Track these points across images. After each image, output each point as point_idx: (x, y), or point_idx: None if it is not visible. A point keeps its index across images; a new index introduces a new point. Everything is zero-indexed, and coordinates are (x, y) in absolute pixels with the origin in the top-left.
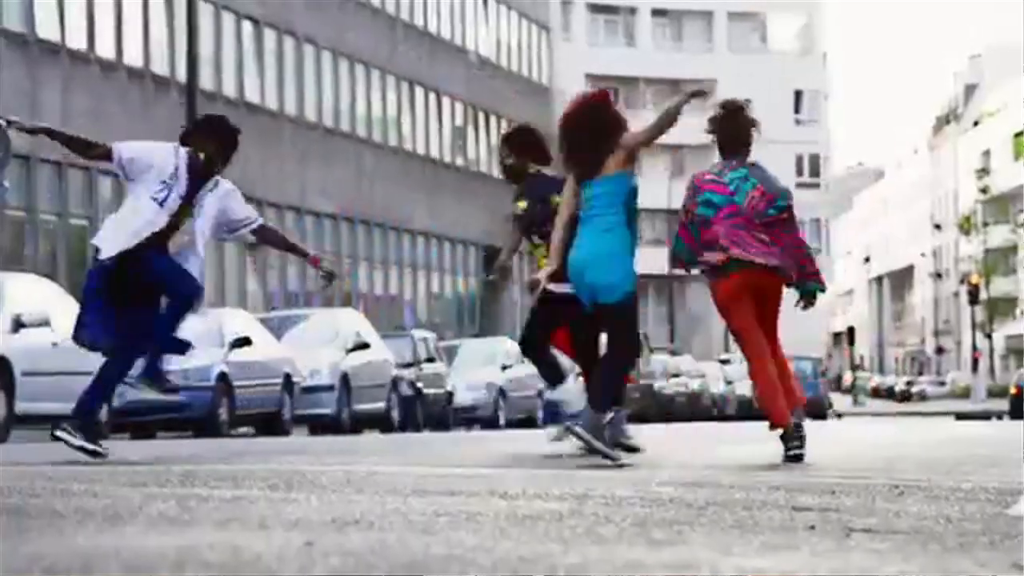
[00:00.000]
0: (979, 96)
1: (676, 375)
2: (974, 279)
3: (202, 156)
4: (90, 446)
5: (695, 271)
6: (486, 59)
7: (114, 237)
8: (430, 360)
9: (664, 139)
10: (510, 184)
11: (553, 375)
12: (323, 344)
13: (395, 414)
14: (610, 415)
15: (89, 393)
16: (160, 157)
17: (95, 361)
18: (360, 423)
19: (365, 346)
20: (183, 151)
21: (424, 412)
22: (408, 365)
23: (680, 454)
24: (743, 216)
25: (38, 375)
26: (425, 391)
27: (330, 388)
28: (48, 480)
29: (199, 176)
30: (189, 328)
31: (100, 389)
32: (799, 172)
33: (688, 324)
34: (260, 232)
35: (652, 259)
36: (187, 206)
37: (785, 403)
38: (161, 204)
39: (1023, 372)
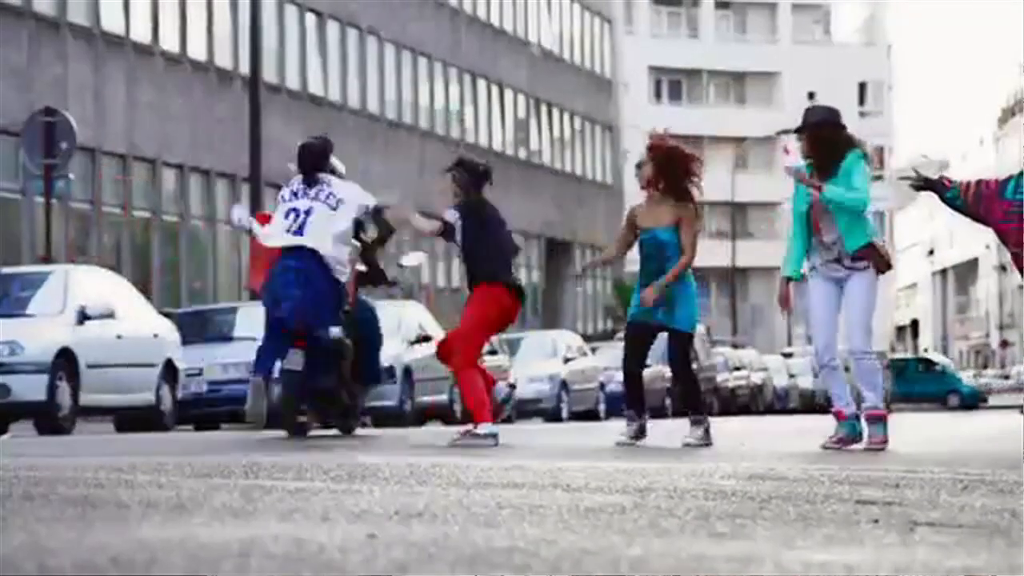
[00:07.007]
0: None
1: (739, 368)
2: None
3: None
4: None
5: None
6: (549, 51)
7: None
8: (492, 352)
9: (727, 131)
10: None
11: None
12: (386, 336)
13: (458, 406)
14: None
15: None
16: None
17: (158, 354)
18: (423, 415)
19: (428, 339)
20: None
21: None
22: None
23: (742, 447)
24: None
25: (103, 367)
26: None
27: (393, 380)
28: (113, 471)
29: None
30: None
31: None
32: None
33: (750, 317)
34: None
35: (714, 251)
36: None
37: None
38: None
39: None
